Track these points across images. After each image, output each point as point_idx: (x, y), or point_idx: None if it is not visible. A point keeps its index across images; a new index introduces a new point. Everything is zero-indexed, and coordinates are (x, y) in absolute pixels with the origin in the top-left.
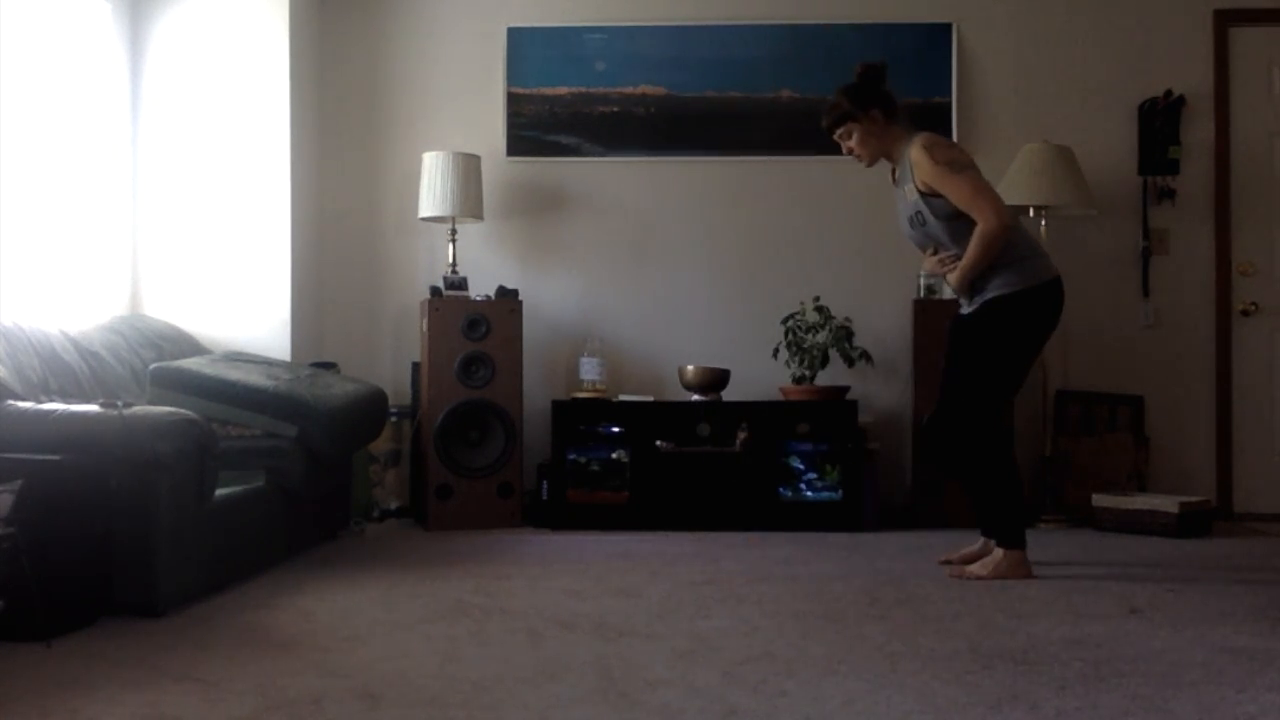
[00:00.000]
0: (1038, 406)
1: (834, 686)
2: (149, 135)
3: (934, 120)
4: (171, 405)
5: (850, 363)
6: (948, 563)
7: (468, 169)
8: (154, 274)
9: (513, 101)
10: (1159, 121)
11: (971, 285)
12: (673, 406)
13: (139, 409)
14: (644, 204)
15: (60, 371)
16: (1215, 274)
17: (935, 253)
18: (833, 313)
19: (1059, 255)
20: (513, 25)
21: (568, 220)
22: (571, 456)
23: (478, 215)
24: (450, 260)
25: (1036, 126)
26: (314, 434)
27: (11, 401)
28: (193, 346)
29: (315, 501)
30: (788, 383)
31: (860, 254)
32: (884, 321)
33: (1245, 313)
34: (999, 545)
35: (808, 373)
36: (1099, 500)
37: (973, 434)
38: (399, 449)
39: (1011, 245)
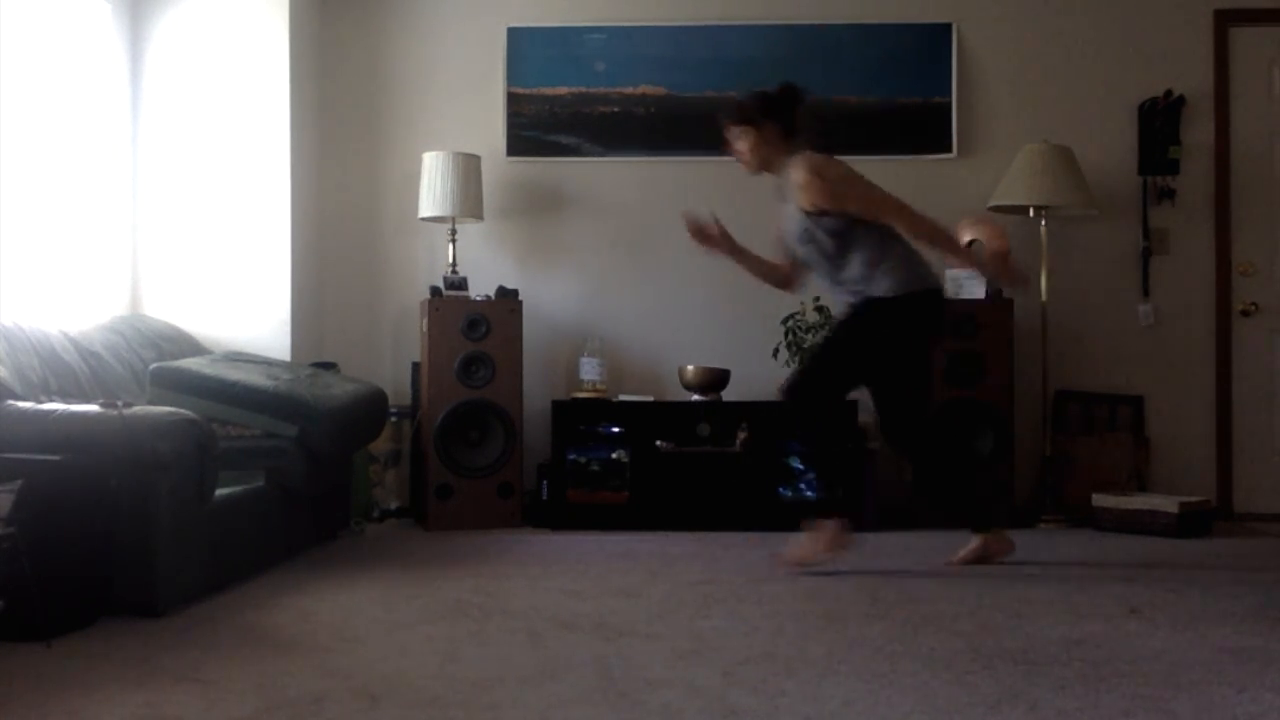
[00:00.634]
0: (1038, 406)
1: (834, 686)
2: (149, 135)
3: (934, 120)
4: (171, 405)
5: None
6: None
7: (468, 169)
8: (154, 274)
9: (513, 101)
10: (1159, 121)
11: (866, 280)
12: (673, 406)
13: (139, 409)
14: (644, 204)
15: (60, 371)
16: (1215, 274)
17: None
18: (832, 313)
19: (1059, 255)
20: (513, 25)
21: (568, 220)
22: (571, 456)
23: (478, 215)
24: (450, 260)
25: (1036, 126)
26: (314, 434)
27: (11, 401)
28: (193, 346)
29: (315, 501)
30: None
31: None
32: None
33: (1245, 313)
34: (974, 530)
35: None
36: (1099, 500)
37: (921, 439)
38: (399, 449)
39: (896, 251)
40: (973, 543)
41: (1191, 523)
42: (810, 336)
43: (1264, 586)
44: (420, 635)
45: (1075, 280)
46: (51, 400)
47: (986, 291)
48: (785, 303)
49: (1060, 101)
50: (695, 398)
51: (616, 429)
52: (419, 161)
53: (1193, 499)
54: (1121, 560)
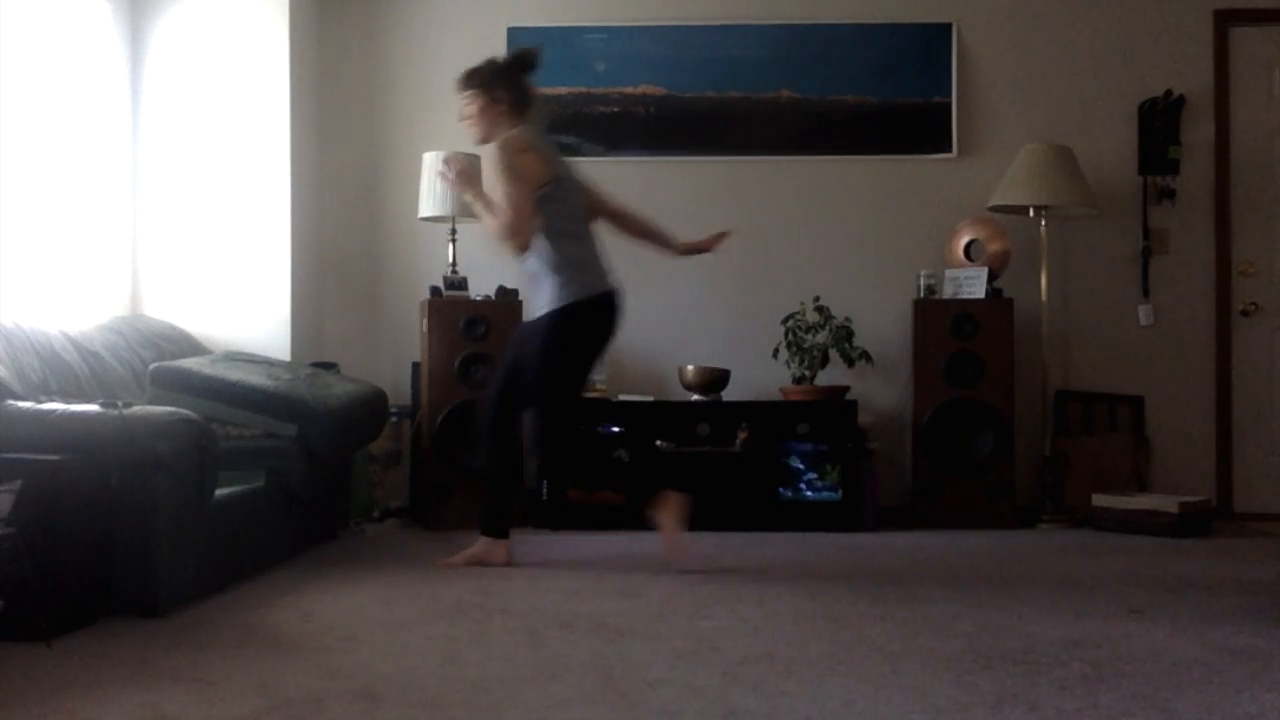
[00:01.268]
0: (1038, 406)
1: (834, 686)
2: (149, 135)
3: (934, 120)
4: (171, 405)
5: (850, 363)
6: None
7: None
8: (154, 274)
9: None
10: (1159, 121)
11: (539, 279)
12: (673, 406)
13: (139, 409)
14: (644, 204)
15: (60, 371)
16: (1215, 274)
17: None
18: (833, 313)
19: (1059, 255)
20: (513, 25)
21: None
22: None
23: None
24: (450, 260)
25: (1036, 126)
26: (314, 434)
27: (11, 401)
28: (193, 346)
29: (315, 501)
30: (788, 383)
31: (860, 254)
32: (884, 321)
33: (1245, 313)
34: (482, 532)
35: (808, 373)
36: (1099, 500)
37: (552, 422)
38: (399, 449)
39: (560, 264)
40: (477, 544)
41: (1191, 523)
42: (810, 336)
43: (1264, 586)
44: (420, 635)
45: (1075, 280)
46: (51, 400)
47: (986, 291)
48: (785, 303)
49: (1060, 101)
50: (695, 398)
51: (616, 429)
52: (419, 161)
53: (1193, 499)
54: (1121, 560)
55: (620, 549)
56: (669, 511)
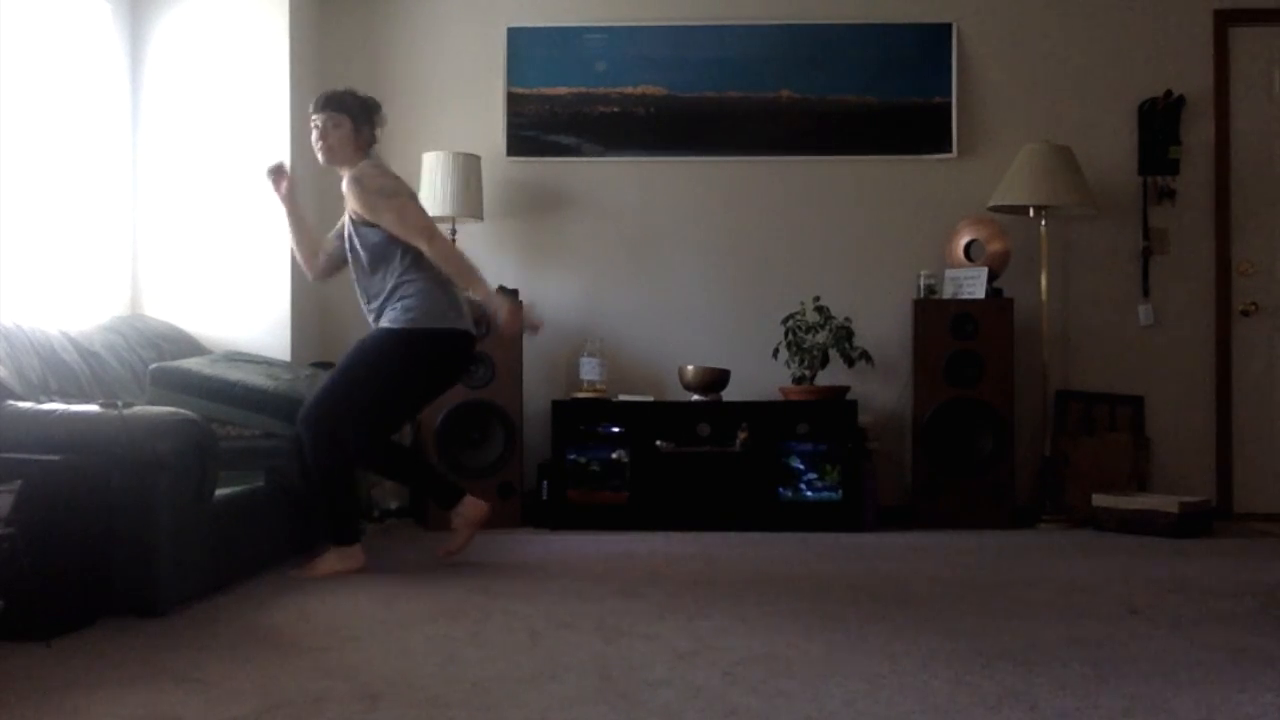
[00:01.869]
0: (1038, 406)
1: (834, 686)
2: (149, 135)
3: (934, 120)
4: (171, 405)
5: (850, 363)
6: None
7: (468, 169)
8: (154, 274)
9: (513, 101)
10: (1159, 121)
11: (377, 314)
12: (673, 406)
13: (139, 409)
14: (644, 204)
15: (60, 371)
16: (1215, 274)
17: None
18: (833, 313)
19: (1059, 255)
20: (513, 25)
21: (568, 220)
22: (571, 456)
23: (478, 215)
24: None
25: (1036, 126)
26: None
27: (11, 401)
28: (193, 346)
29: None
30: (788, 383)
31: (860, 254)
32: (884, 321)
33: (1245, 313)
34: (332, 543)
35: (808, 373)
36: (1099, 500)
37: (338, 441)
38: None
39: (420, 283)
40: (328, 555)
41: (1191, 523)
42: (810, 336)
43: (1264, 586)
44: (420, 635)
45: (1075, 280)
46: (51, 400)
47: (986, 291)
48: (785, 303)
49: (1060, 101)
50: (695, 398)
51: (616, 429)
52: (419, 161)
53: (1193, 499)
54: (1121, 560)
55: (620, 549)
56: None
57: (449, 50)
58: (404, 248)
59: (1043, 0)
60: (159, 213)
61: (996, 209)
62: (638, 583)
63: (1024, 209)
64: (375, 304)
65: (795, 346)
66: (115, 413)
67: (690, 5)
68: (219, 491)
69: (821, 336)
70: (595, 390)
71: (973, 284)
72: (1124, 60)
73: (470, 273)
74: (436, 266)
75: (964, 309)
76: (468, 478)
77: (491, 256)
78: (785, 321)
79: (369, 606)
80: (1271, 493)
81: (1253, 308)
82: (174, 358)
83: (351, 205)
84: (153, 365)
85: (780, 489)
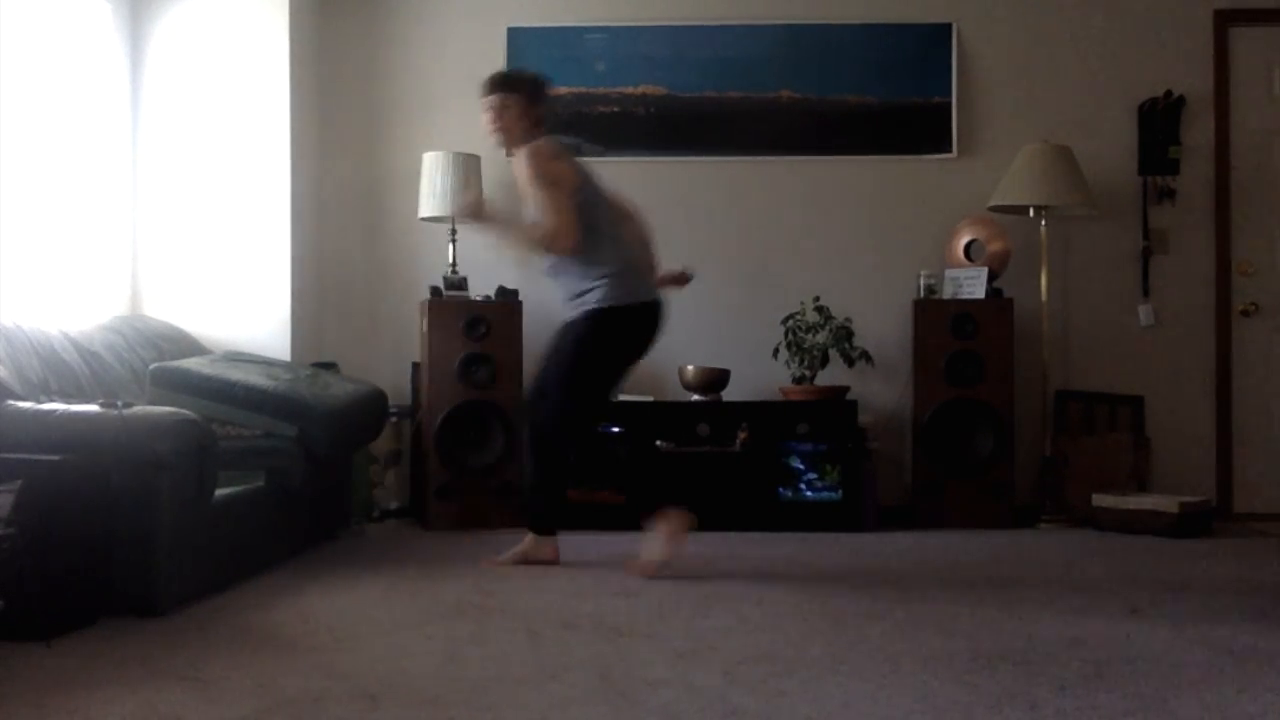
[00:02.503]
0: (1038, 406)
1: (834, 686)
2: (149, 135)
3: (934, 120)
4: (171, 405)
5: (850, 363)
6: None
7: (468, 169)
8: (154, 274)
9: None
10: (1159, 121)
11: (579, 294)
12: (673, 406)
13: (139, 409)
14: (644, 204)
15: (60, 371)
16: (1215, 274)
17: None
18: (833, 313)
19: (1059, 255)
20: (513, 25)
21: None
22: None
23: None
24: (450, 260)
25: (1036, 126)
26: (314, 434)
27: (11, 401)
28: (193, 346)
29: (315, 501)
30: (788, 383)
31: (860, 254)
32: (884, 321)
33: (1245, 313)
34: (530, 529)
35: (808, 373)
36: (1099, 500)
37: (547, 426)
38: (399, 449)
39: (604, 263)
40: (524, 541)
41: (1191, 523)
42: (810, 336)
43: (1264, 586)
44: (420, 635)
45: (1075, 280)
46: (51, 400)
47: (986, 291)
48: (785, 303)
49: (1060, 101)
50: (695, 398)
51: (616, 429)
52: (419, 161)
53: (1193, 499)
54: (1121, 560)
55: (620, 549)
56: (669, 523)
57: (449, 50)
58: (591, 224)
59: (1043, 0)
60: (159, 213)
61: (996, 209)
62: (638, 583)
63: (1024, 209)
64: (575, 287)
65: (795, 346)
66: (115, 413)
67: (690, 5)
68: (219, 491)
69: (821, 336)
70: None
71: (973, 284)
72: (1124, 60)
73: (523, 239)
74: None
75: (964, 309)
76: (468, 478)
77: (491, 256)
78: (785, 321)
79: (369, 606)
80: (1271, 493)
81: (1253, 308)
82: (174, 358)
83: (523, 177)
84: (153, 365)
85: (780, 489)
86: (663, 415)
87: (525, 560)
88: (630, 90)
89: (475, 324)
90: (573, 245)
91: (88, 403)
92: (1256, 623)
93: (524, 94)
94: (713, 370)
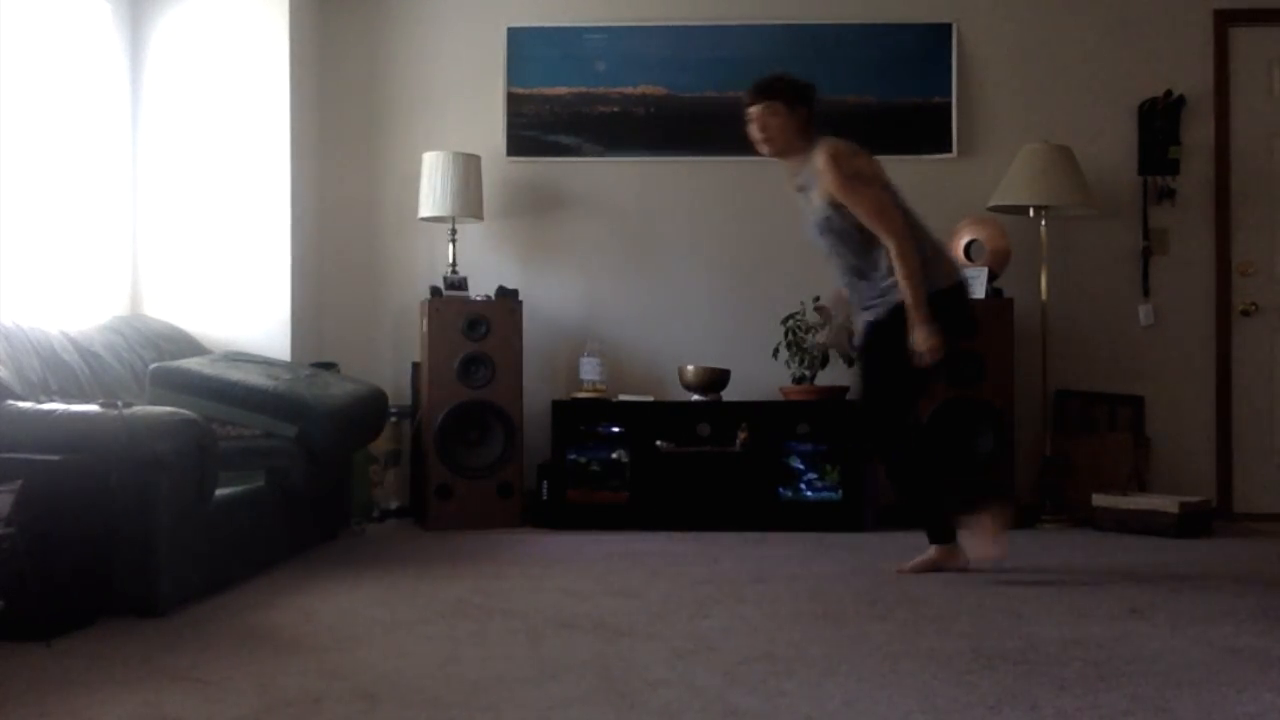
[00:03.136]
0: (1038, 406)
1: (834, 686)
2: (149, 135)
3: (934, 120)
4: (171, 405)
5: (850, 363)
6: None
7: (468, 169)
8: (154, 274)
9: (513, 101)
10: (1159, 121)
11: (882, 293)
12: (673, 406)
13: (139, 409)
14: (644, 204)
15: (60, 371)
16: (1215, 274)
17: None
18: (832, 313)
19: (1059, 255)
20: (513, 25)
21: (568, 220)
22: (571, 456)
23: (478, 215)
24: (450, 260)
25: (1036, 126)
26: (314, 434)
27: (11, 401)
28: (193, 346)
29: (315, 501)
30: (788, 383)
31: None
32: None
33: (1245, 313)
34: (931, 543)
35: (808, 373)
36: (1099, 500)
37: (891, 435)
38: (399, 449)
39: (923, 249)
40: (929, 552)
41: (1191, 523)
42: (810, 336)
43: (1264, 586)
44: (420, 635)
45: (1075, 280)
46: (51, 400)
47: (986, 291)
48: (785, 303)
49: (1060, 101)
50: (695, 398)
51: (616, 429)
52: (419, 161)
53: (1193, 499)
54: (1121, 560)
55: (620, 549)
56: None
57: (449, 50)
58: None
59: (1043, 0)
60: (159, 213)
61: (996, 209)
62: (638, 583)
63: (1024, 209)
64: (881, 283)
65: (795, 346)
66: (115, 413)
67: (690, 5)
68: (219, 491)
69: (821, 336)
70: (595, 390)
71: (973, 284)
72: (1124, 60)
73: (914, 289)
74: (918, 227)
75: None
76: (468, 478)
77: (491, 256)
78: (785, 321)
79: (369, 606)
80: (1271, 493)
81: (1253, 308)
82: (174, 358)
83: (824, 187)
84: (153, 365)
85: (780, 489)
86: (663, 415)
87: (936, 569)
88: (630, 90)
89: (475, 324)
90: (909, 239)
91: (88, 403)
92: (1256, 623)
93: (784, 99)
94: (713, 370)
